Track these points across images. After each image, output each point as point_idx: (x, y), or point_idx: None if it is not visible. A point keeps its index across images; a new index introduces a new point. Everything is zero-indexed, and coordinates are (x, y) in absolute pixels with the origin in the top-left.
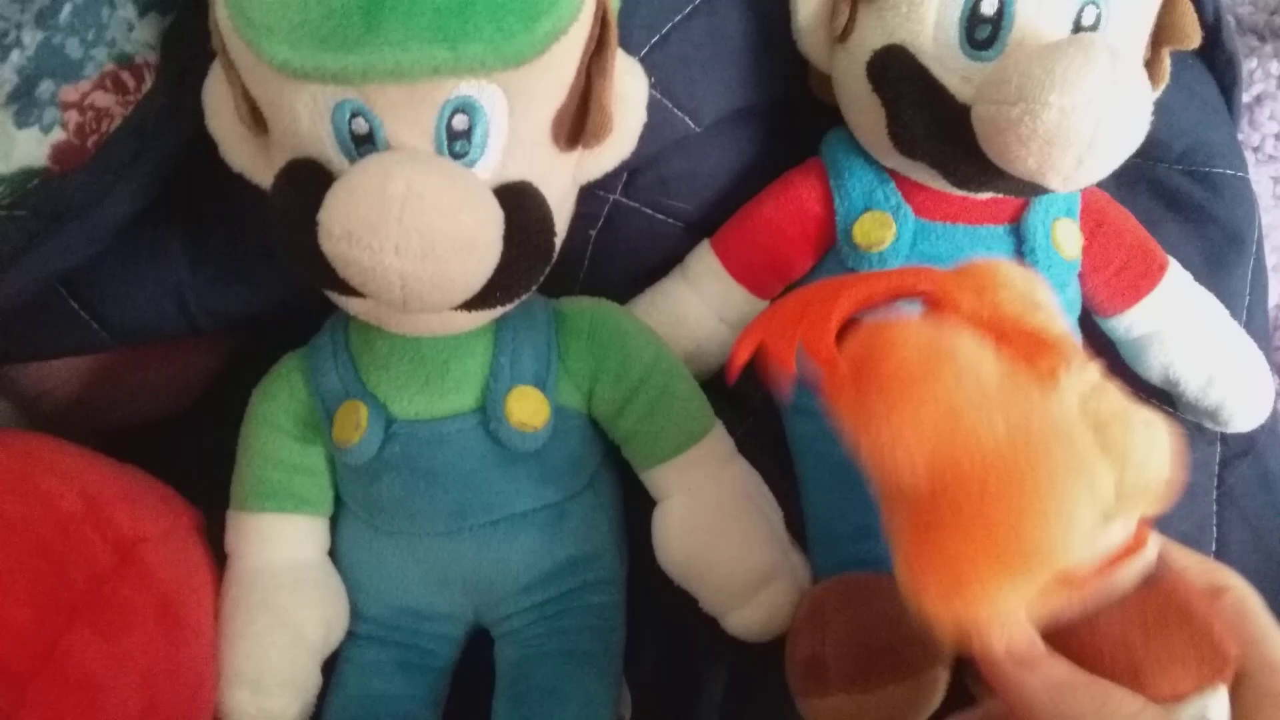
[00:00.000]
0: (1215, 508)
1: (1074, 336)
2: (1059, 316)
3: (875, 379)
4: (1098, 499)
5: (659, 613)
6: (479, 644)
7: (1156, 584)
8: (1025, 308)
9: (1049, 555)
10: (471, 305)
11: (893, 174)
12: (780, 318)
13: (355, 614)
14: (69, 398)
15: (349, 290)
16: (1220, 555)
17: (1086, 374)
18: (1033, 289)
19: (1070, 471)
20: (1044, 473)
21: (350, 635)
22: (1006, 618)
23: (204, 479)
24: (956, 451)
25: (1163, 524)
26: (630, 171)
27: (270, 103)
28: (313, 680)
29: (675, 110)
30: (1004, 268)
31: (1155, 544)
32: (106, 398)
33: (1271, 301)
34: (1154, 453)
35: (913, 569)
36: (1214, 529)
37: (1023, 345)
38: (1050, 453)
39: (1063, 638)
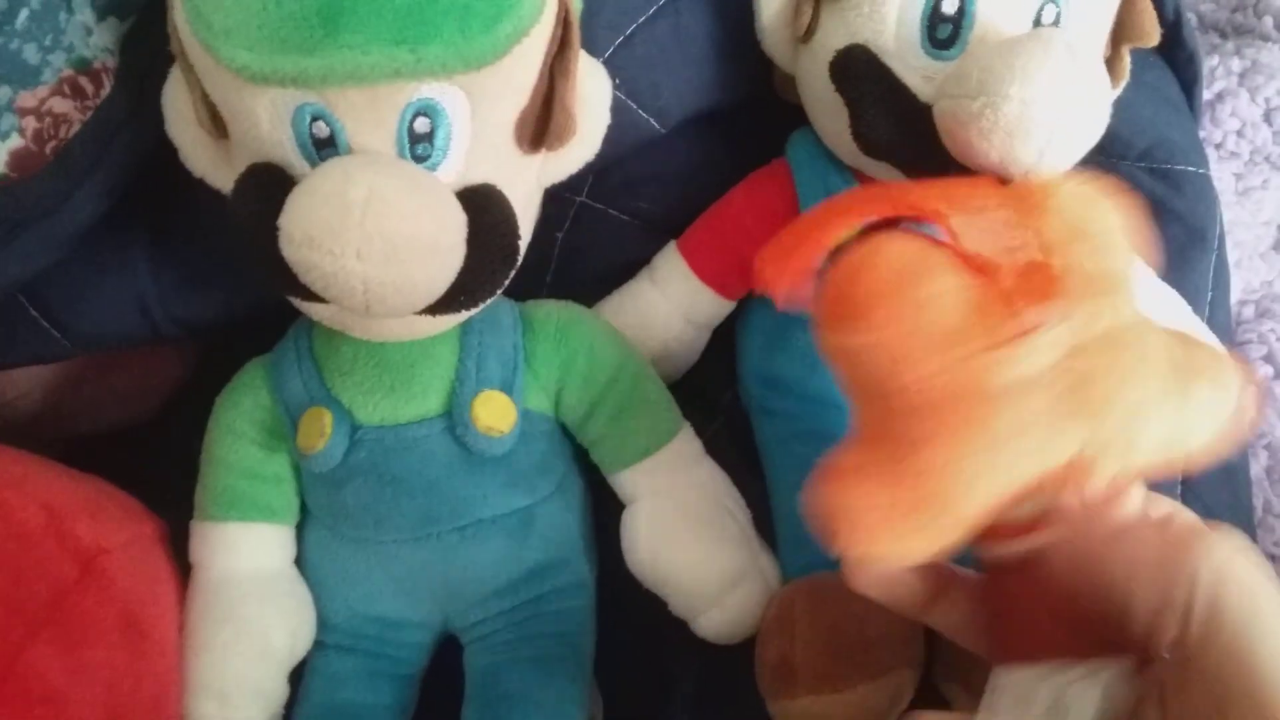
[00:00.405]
0: (1179, 503)
1: (1129, 272)
2: (1114, 249)
3: (843, 297)
4: (1035, 462)
5: (629, 615)
6: (448, 651)
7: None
8: (1067, 235)
9: (956, 511)
10: (436, 309)
11: (857, 174)
12: (793, 228)
13: (322, 623)
14: (32, 407)
15: (312, 296)
16: None
17: (1102, 322)
18: (1090, 215)
19: (1001, 433)
20: (967, 429)
21: (317, 644)
22: (907, 560)
23: (169, 488)
24: (896, 381)
25: None
26: (596, 173)
27: (230, 107)
28: (279, 691)
29: (640, 112)
30: (1063, 186)
31: (1136, 496)
32: (70, 407)
33: (1234, 297)
34: (1163, 415)
35: (837, 474)
36: None
37: (1017, 286)
38: (984, 405)
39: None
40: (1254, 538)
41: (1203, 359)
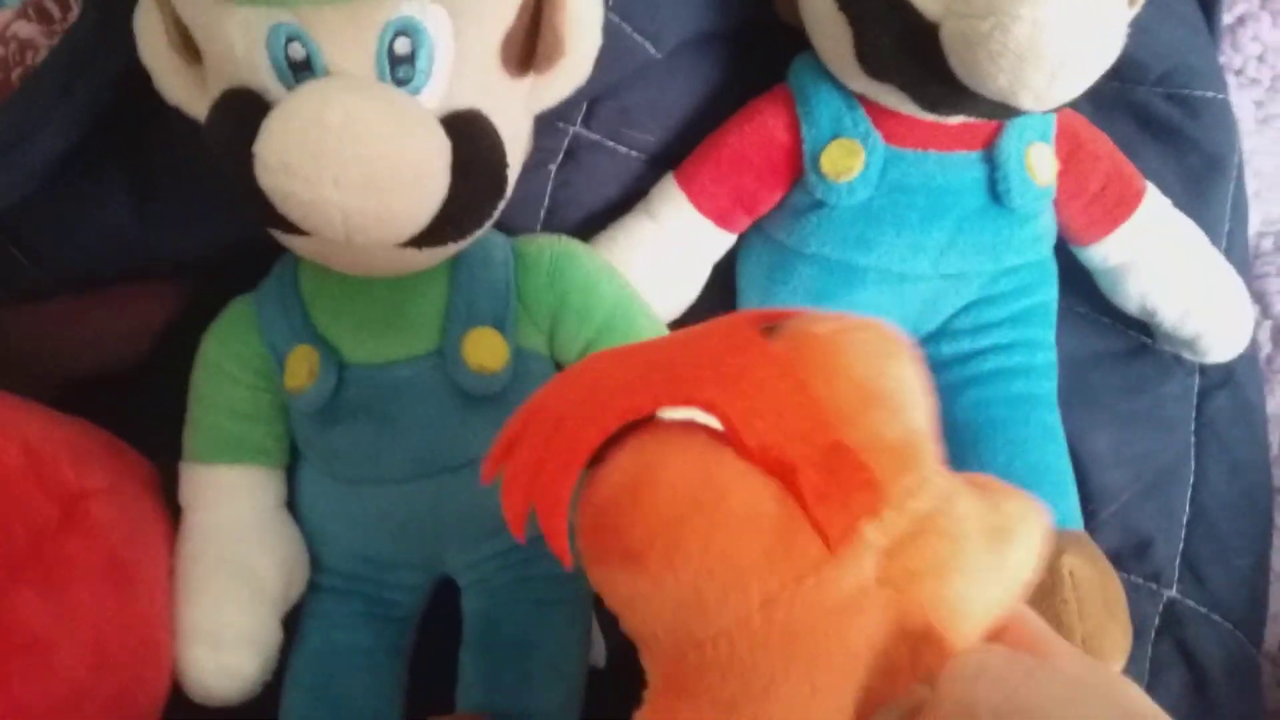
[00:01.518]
0: (1194, 439)
1: (924, 431)
2: (908, 407)
3: (612, 531)
4: (880, 689)
5: None
6: (446, 595)
7: None
8: (859, 403)
9: None
10: (421, 242)
11: (861, 100)
12: (527, 438)
13: (316, 566)
14: (19, 348)
15: (292, 228)
16: (1199, 487)
17: (911, 509)
18: (880, 370)
19: (832, 669)
20: (801, 674)
21: (312, 587)
22: None
23: (159, 431)
24: (701, 628)
25: (1143, 458)
26: (590, 102)
27: (202, 29)
28: (273, 634)
29: (635, 35)
30: (845, 337)
31: None
32: (56, 348)
33: (1252, 229)
34: (988, 588)
35: None
36: (1192, 460)
37: (823, 492)
38: (817, 644)
39: None
40: (1270, 476)
41: (1010, 512)
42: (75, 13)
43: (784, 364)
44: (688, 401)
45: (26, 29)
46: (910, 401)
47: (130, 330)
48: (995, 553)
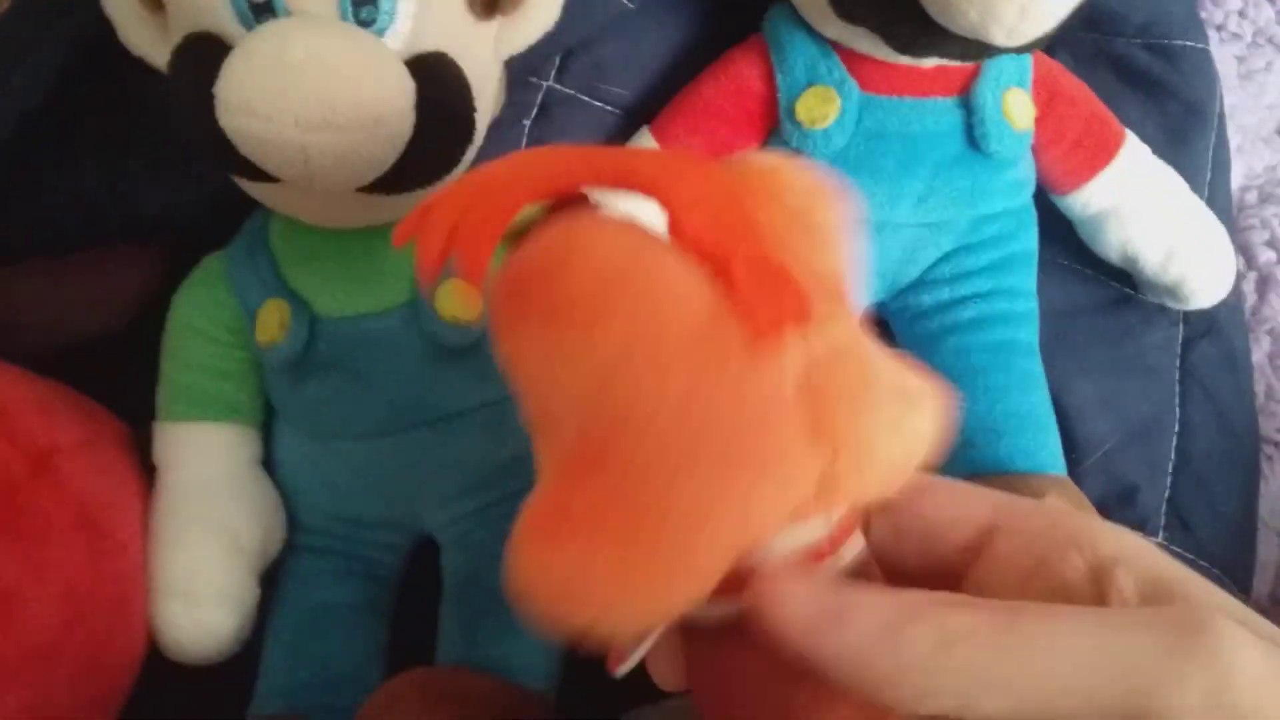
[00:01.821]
0: (1179, 388)
1: (848, 274)
2: (836, 246)
3: (538, 290)
4: (782, 499)
5: None
6: (427, 556)
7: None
8: (792, 230)
9: (690, 567)
10: (387, 187)
11: (836, 47)
12: (457, 194)
13: (294, 524)
14: None
15: (256, 174)
16: (1184, 435)
17: (830, 334)
18: (812, 206)
19: (751, 467)
20: (710, 462)
21: (290, 546)
22: (635, 629)
23: (137, 397)
24: (612, 407)
25: (1126, 406)
26: (563, 55)
27: None
28: (250, 592)
29: None
30: (784, 170)
31: (858, 544)
32: (35, 317)
33: (1236, 182)
34: (892, 440)
35: (535, 533)
36: (1177, 409)
37: (752, 282)
38: (730, 435)
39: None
40: (1256, 423)
41: (916, 383)
42: None
43: (724, 180)
44: (625, 181)
45: None
46: (836, 241)
47: (108, 298)
48: (901, 408)
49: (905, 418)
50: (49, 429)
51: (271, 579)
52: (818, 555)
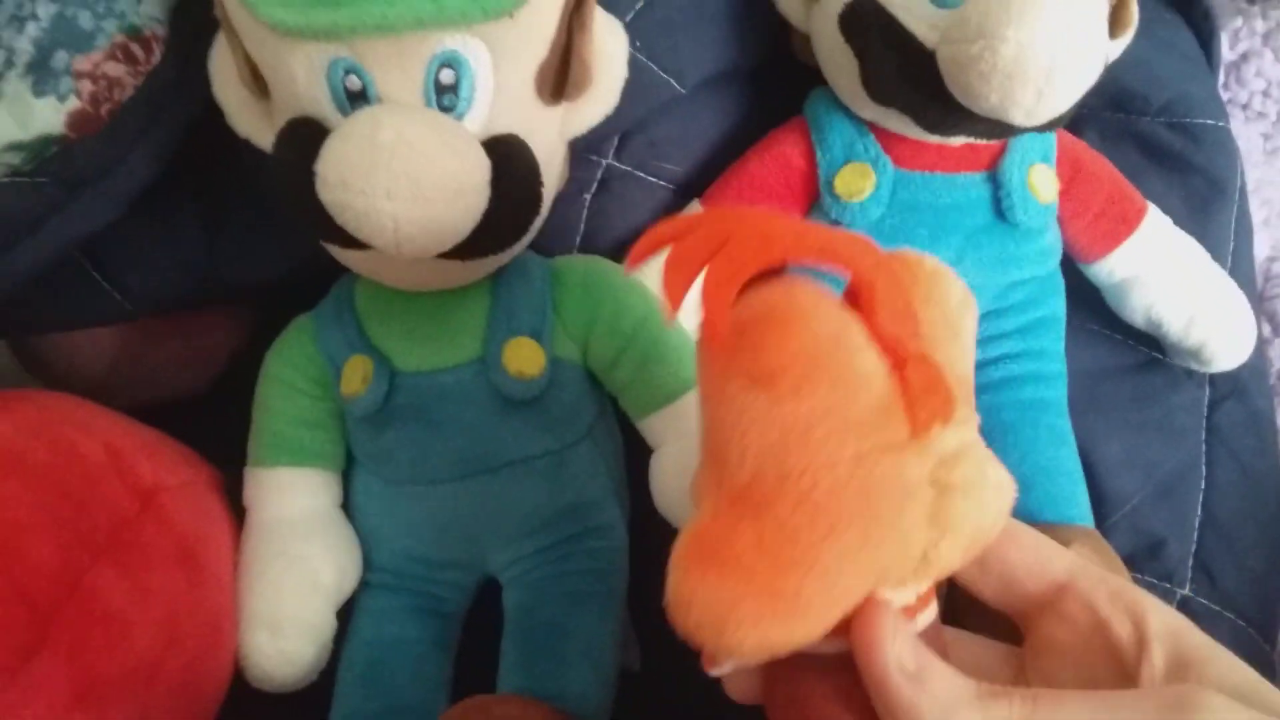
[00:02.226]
0: (1204, 448)
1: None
2: (970, 353)
3: (753, 348)
4: (899, 569)
5: (664, 560)
6: (492, 597)
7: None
8: (945, 333)
9: (818, 613)
10: (464, 253)
11: (872, 126)
12: (699, 237)
13: (368, 563)
14: (97, 374)
15: (348, 241)
16: (1210, 492)
17: (960, 434)
18: (961, 314)
19: (885, 538)
20: (859, 529)
21: (364, 584)
22: (759, 654)
23: (225, 448)
24: (791, 464)
25: (1154, 464)
26: (621, 136)
27: (269, 65)
28: (328, 624)
29: (660, 72)
30: (946, 279)
31: (934, 610)
32: (132, 373)
33: (1263, 254)
34: (987, 528)
35: (696, 559)
36: (1203, 468)
37: (919, 381)
38: (878, 510)
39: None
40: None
41: (1005, 477)
42: (158, 56)
43: (898, 276)
44: (832, 259)
45: (115, 68)
46: (971, 349)
47: (200, 358)
48: (996, 502)
49: (998, 508)
50: (154, 470)
51: (347, 614)
52: (907, 613)
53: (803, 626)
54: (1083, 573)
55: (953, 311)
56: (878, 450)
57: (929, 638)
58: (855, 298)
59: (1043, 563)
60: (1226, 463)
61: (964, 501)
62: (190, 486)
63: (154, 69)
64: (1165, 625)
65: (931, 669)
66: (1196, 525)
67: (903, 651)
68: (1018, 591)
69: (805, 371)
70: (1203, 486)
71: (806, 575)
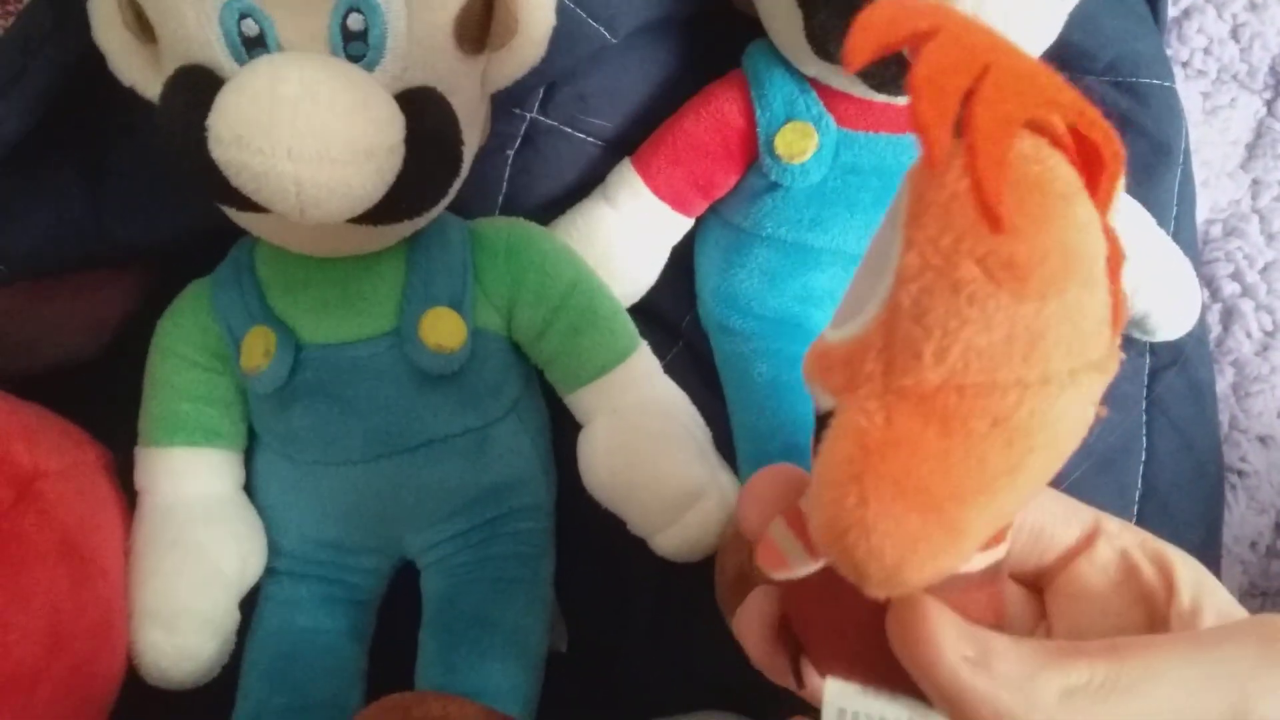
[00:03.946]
0: (1145, 417)
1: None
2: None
3: (1008, 229)
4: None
5: (589, 539)
6: (406, 580)
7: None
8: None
9: (977, 543)
10: (376, 218)
11: (814, 84)
12: (952, 56)
13: (274, 549)
14: None
15: (246, 204)
16: (1150, 464)
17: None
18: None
19: (1051, 467)
20: (1045, 460)
21: (269, 571)
22: (918, 586)
23: (118, 423)
24: (1004, 372)
25: (1094, 436)
26: (547, 88)
27: (155, 6)
28: (230, 617)
29: (589, 20)
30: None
31: (1007, 544)
32: (15, 340)
33: (1201, 216)
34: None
35: (870, 471)
36: (1144, 438)
37: (1120, 294)
38: (1066, 441)
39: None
40: (1220, 453)
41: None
42: None
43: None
44: (1102, 140)
45: None
46: None
47: (89, 321)
48: None
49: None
50: (32, 455)
51: (251, 604)
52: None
53: (964, 558)
54: (1109, 519)
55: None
56: (1088, 369)
57: (989, 578)
58: (1086, 175)
59: (1071, 510)
60: (1167, 433)
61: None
62: (75, 470)
63: (24, 10)
64: (1192, 575)
65: (994, 646)
66: (1136, 499)
67: (960, 642)
68: (1049, 545)
69: (1060, 268)
70: (1143, 458)
71: (986, 508)
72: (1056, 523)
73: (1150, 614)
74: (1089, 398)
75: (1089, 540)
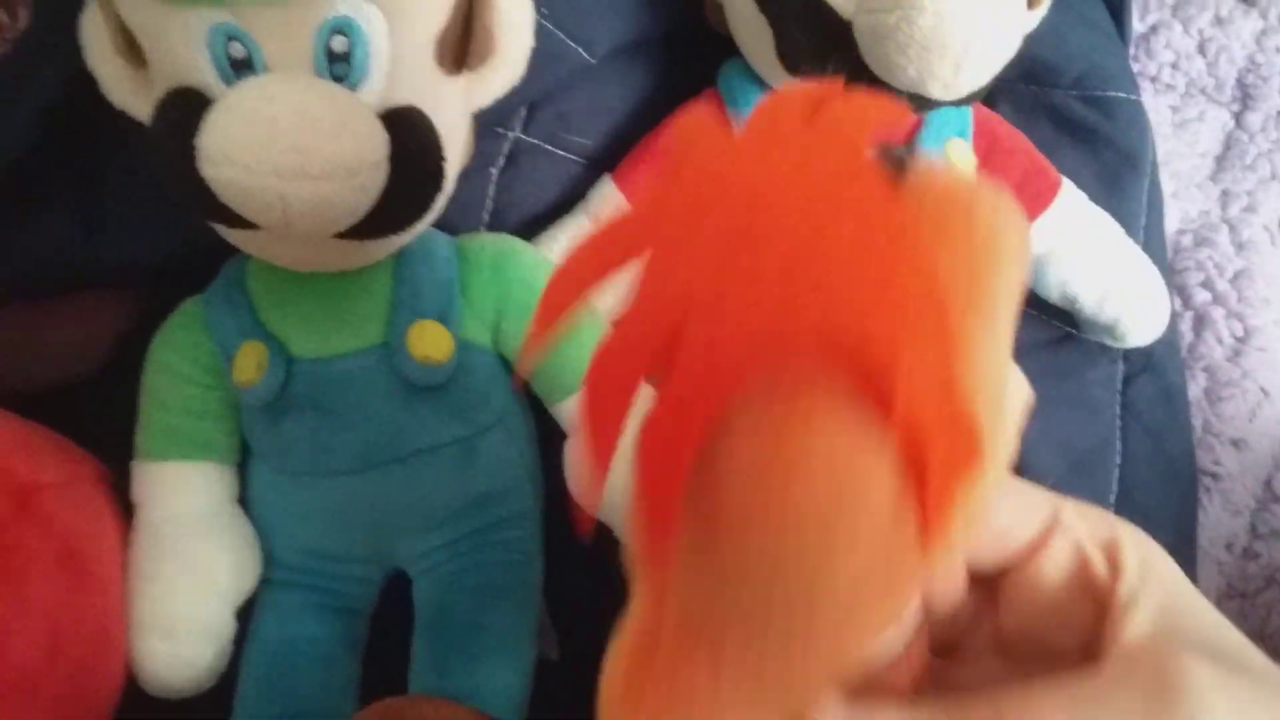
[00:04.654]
0: (1119, 422)
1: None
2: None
3: (736, 523)
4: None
5: (578, 548)
6: (399, 590)
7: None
8: (985, 319)
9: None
10: (362, 233)
11: None
12: (628, 342)
13: (268, 560)
14: None
15: (235, 221)
16: (1125, 467)
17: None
18: (1011, 290)
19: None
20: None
21: (265, 581)
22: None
23: (113, 442)
24: (777, 618)
25: (1070, 440)
26: (529, 107)
27: (145, 32)
28: (226, 626)
29: (568, 41)
30: (999, 228)
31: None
32: (10, 361)
33: (1172, 227)
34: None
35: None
36: (1118, 442)
37: (940, 474)
38: (870, 607)
39: None
40: (1193, 456)
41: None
42: (24, 20)
43: (939, 290)
44: (853, 357)
45: None
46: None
47: (85, 341)
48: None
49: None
50: (32, 468)
51: (247, 613)
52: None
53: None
54: (1067, 508)
55: (1006, 286)
56: (887, 562)
57: (903, 654)
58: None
59: (1031, 506)
60: (1140, 437)
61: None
62: (73, 484)
63: (20, 36)
64: (1137, 562)
65: None
66: (1112, 501)
67: None
68: (1009, 545)
69: (797, 546)
70: (1118, 462)
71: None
72: (1016, 521)
73: (1098, 606)
74: (899, 578)
75: (1046, 534)
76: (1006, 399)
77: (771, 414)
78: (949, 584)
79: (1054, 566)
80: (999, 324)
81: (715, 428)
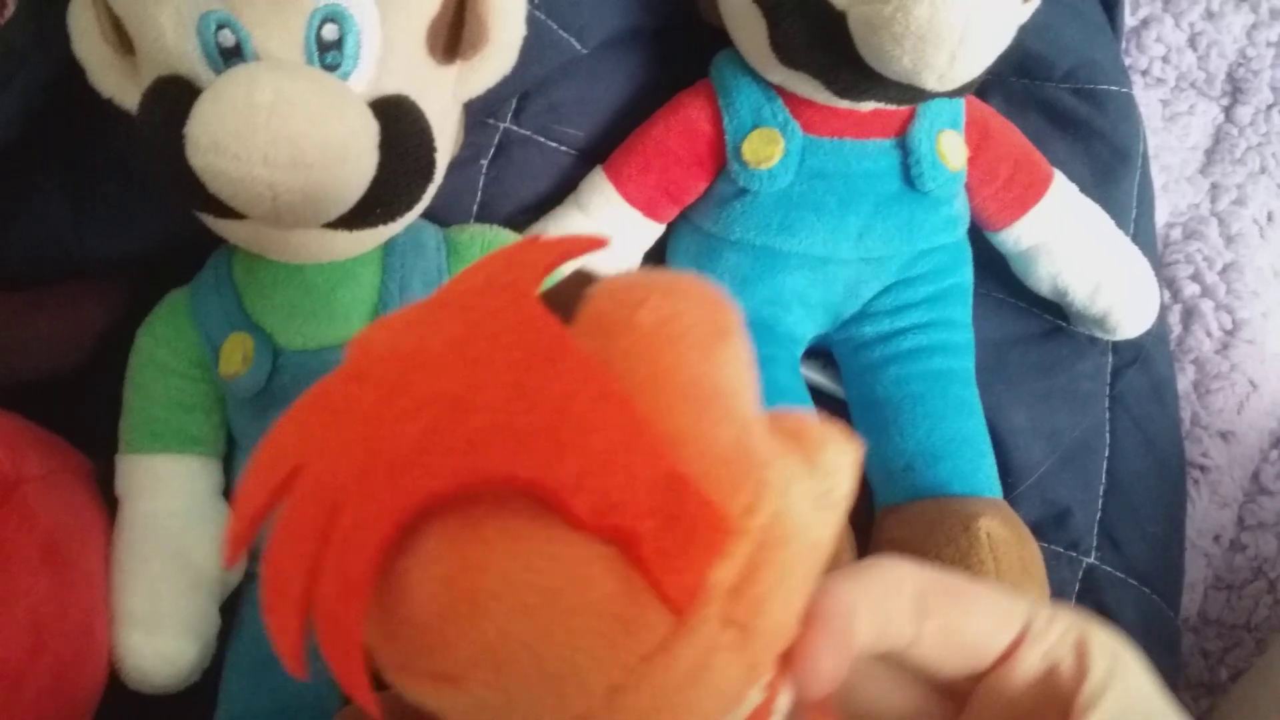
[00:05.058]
0: (1108, 415)
1: (758, 418)
2: (740, 399)
3: (432, 653)
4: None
5: None
6: None
7: None
8: (691, 417)
9: None
10: (351, 223)
11: (780, 91)
12: (295, 533)
13: (253, 553)
14: None
15: (223, 211)
16: (1114, 459)
17: (753, 525)
18: (708, 370)
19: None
20: None
21: (249, 576)
22: None
23: (99, 434)
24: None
25: (1059, 432)
26: (520, 98)
27: (134, 18)
28: (210, 621)
29: (560, 30)
30: (673, 337)
31: (786, 696)
32: None
33: (1162, 220)
34: (816, 561)
35: None
36: (1107, 435)
37: (660, 548)
38: (685, 700)
39: None
40: (1182, 449)
41: (828, 463)
42: (11, 8)
43: (602, 380)
44: (502, 483)
45: None
46: (742, 386)
47: (72, 333)
48: (824, 517)
49: (829, 519)
50: (15, 461)
51: (232, 607)
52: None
53: None
54: (1040, 615)
55: (694, 374)
56: (638, 664)
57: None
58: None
59: (1002, 619)
60: (1130, 430)
61: (782, 591)
62: (56, 477)
63: (5, 25)
64: (1105, 664)
65: None
66: (1101, 493)
67: None
68: (982, 655)
69: (497, 660)
70: (1107, 454)
71: None
72: (987, 634)
73: (1062, 710)
74: (663, 685)
75: (1016, 644)
76: (763, 446)
77: (453, 543)
78: (819, 665)
79: (1019, 676)
80: (719, 394)
81: (396, 563)
